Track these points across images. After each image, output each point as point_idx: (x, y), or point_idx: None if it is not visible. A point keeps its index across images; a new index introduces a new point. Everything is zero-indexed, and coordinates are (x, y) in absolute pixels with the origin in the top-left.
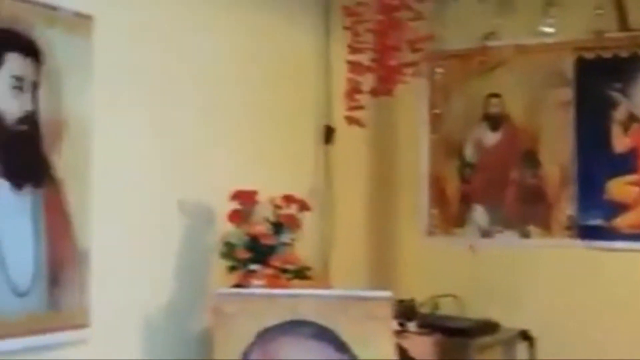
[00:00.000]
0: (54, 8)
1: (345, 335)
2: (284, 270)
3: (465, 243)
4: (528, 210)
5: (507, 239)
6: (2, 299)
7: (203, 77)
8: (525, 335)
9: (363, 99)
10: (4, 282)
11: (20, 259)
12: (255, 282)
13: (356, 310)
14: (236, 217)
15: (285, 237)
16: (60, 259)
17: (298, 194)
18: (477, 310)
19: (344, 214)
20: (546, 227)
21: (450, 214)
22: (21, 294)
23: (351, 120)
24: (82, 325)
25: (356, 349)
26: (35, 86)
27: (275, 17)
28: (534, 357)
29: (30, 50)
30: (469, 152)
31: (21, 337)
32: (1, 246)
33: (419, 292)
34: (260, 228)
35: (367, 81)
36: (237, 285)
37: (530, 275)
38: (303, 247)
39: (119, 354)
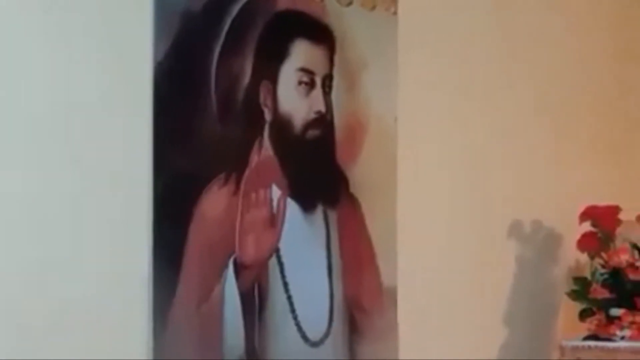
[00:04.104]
0: None
1: None
2: None
3: None
4: None
5: None
6: (290, 349)
7: (545, 73)
8: None
9: None
10: (293, 329)
11: (312, 300)
12: (619, 332)
13: None
14: (590, 242)
15: None
16: (360, 299)
17: None
18: None
19: None
20: None
21: None
22: (313, 343)
23: None
24: None
25: None
26: (328, 81)
27: None
28: None
29: (321, 36)
30: None
31: None
32: (289, 284)
33: None
34: (625, 258)
35: None
36: (592, 336)
37: None
38: None
39: None
